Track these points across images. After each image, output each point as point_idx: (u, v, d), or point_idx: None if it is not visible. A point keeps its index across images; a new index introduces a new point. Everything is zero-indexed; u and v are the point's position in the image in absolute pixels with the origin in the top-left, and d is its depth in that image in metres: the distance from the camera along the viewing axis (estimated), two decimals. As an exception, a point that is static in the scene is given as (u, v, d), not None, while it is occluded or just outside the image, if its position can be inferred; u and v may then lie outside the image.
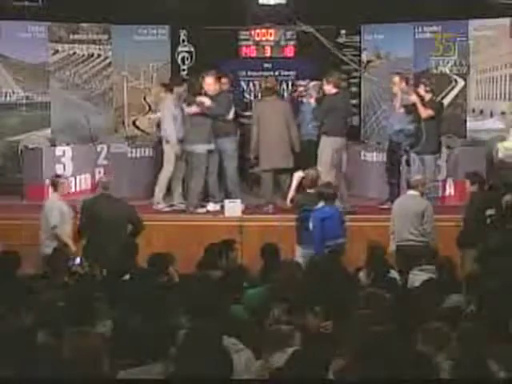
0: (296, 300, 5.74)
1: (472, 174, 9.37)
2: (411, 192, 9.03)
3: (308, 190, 9.04)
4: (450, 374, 4.37)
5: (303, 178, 9.20)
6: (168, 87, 11.20)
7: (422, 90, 10.49)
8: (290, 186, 9.69)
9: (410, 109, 10.60)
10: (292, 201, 9.28)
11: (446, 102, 12.64)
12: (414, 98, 10.41)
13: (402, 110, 10.80)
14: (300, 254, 8.71)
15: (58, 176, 9.66)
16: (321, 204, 8.62)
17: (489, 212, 8.81)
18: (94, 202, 8.97)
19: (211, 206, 10.74)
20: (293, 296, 5.84)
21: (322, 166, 10.20)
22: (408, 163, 10.58)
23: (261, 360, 4.80)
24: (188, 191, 10.92)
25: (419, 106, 10.31)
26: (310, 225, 8.53)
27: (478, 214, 8.88)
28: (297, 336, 4.89)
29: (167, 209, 10.91)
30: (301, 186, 9.28)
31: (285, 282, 6.40)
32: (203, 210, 10.74)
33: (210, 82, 10.75)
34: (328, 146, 10.46)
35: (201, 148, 10.60)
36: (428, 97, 10.45)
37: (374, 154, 12.01)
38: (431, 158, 10.38)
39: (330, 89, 10.59)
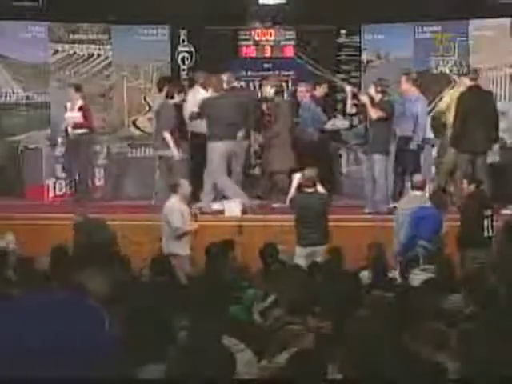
0: (296, 301, 5.74)
1: (470, 175, 9.37)
2: (416, 192, 9.03)
3: (307, 190, 9.04)
4: (450, 374, 4.37)
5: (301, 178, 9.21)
6: (158, 87, 11.26)
7: (372, 90, 10.52)
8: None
9: (361, 109, 10.67)
10: (291, 201, 9.28)
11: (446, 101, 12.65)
12: (364, 98, 10.45)
13: (354, 110, 10.90)
14: (300, 255, 8.72)
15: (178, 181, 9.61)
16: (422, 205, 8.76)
17: (486, 213, 8.80)
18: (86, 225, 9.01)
19: (217, 205, 10.70)
20: (293, 297, 5.84)
21: (209, 175, 10.44)
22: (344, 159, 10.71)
23: (264, 360, 4.80)
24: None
25: (369, 107, 10.34)
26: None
27: (477, 215, 8.85)
28: (298, 336, 4.89)
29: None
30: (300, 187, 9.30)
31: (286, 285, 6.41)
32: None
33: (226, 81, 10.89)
34: (212, 153, 10.49)
35: (166, 153, 10.65)
36: (378, 97, 10.47)
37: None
38: (379, 158, 10.38)
39: (206, 92, 10.83)
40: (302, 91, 11.68)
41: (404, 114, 10.78)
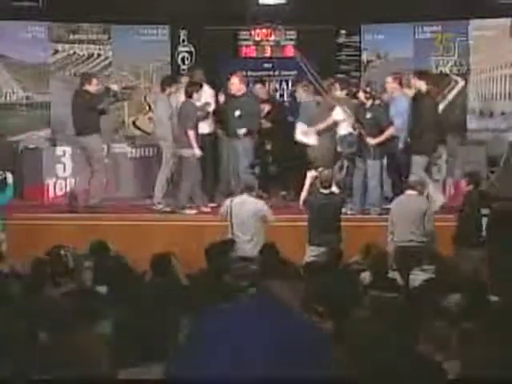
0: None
1: (468, 174, 9.31)
2: (410, 192, 9.00)
3: (323, 191, 9.01)
4: (450, 375, 4.37)
5: (316, 178, 9.17)
6: (161, 87, 11.24)
7: (362, 96, 10.46)
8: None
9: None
10: (305, 202, 9.23)
11: (446, 101, 12.66)
12: (371, 140, 10.30)
13: (350, 130, 10.74)
14: (311, 254, 8.73)
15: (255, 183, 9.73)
16: None
17: (484, 211, 8.76)
18: None
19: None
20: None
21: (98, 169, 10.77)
22: (348, 171, 10.56)
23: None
24: (177, 192, 10.88)
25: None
26: None
27: (473, 213, 8.81)
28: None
29: (167, 209, 10.89)
30: (313, 186, 9.26)
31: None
32: (192, 211, 10.71)
33: (235, 82, 10.84)
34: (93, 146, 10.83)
35: (188, 152, 10.59)
36: (369, 103, 10.42)
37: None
38: (374, 163, 10.34)
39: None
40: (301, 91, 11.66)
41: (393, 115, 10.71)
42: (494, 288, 6.60)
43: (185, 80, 11.63)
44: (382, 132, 10.28)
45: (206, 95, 11.34)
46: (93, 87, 10.85)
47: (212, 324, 2.30)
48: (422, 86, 10.35)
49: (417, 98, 10.41)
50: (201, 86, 11.01)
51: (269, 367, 2.18)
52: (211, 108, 11.24)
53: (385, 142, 10.35)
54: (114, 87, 11.50)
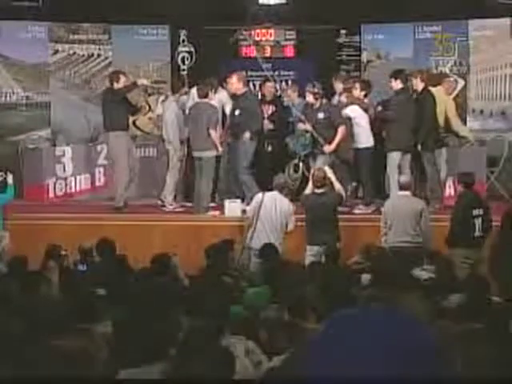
0: (298, 300, 5.72)
1: (461, 175, 9.25)
2: (403, 192, 8.97)
3: (316, 191, 9.02)
4: (450, 374, 4.35)
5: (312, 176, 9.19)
6: (171, 90, 11.20)
7: (310, 97, 10.41)
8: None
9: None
10: (302, 199, 9.25)
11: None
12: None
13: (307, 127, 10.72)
14: (307, 254, 8.74)
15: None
16: None
17: (475, 212, 8.72)
18: None
19: None
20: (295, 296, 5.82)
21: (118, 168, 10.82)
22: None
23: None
24: (197, 195, 10.81)
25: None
26: None
27: (465, 214, 8.77)
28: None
29: (180, 209, 10.87)
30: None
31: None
32: (214, 213, 10.63)
33: (233, 82, 10.76)
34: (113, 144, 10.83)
35: (209, 154, 10.54)
36: (318, 104, 10.36)
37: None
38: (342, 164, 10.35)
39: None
40: (291, 92, 11.68)
41: None
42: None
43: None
44: (336, 131, 10.26)
45: (222, 96, 11.27)
46: (121, 84, 10.84)
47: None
48: (398, 84, 10.39)
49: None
50: (213, 86, 10.96)
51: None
52: (228, 108, 11.15)
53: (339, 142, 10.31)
54: (144, 81, 11.47)
